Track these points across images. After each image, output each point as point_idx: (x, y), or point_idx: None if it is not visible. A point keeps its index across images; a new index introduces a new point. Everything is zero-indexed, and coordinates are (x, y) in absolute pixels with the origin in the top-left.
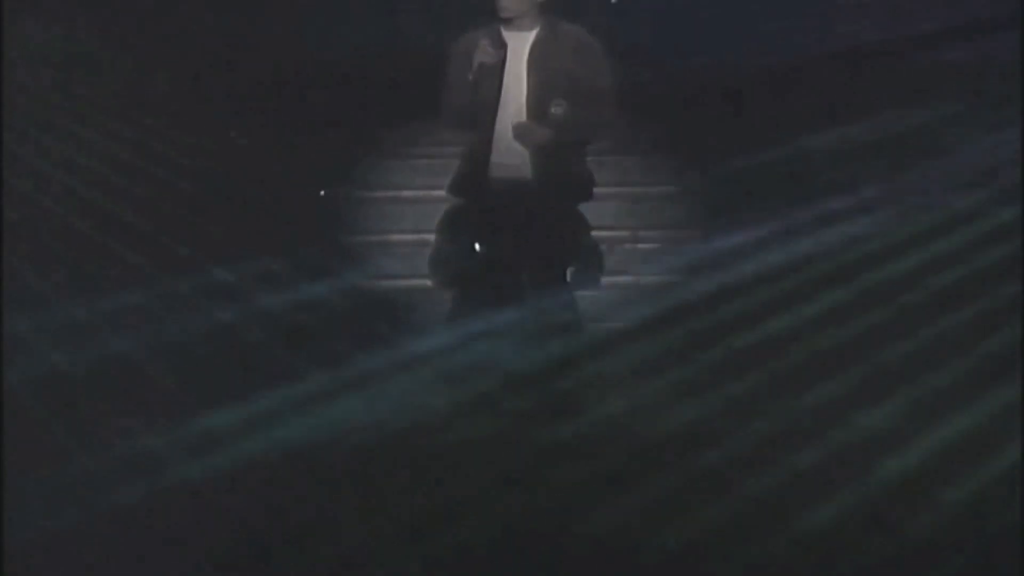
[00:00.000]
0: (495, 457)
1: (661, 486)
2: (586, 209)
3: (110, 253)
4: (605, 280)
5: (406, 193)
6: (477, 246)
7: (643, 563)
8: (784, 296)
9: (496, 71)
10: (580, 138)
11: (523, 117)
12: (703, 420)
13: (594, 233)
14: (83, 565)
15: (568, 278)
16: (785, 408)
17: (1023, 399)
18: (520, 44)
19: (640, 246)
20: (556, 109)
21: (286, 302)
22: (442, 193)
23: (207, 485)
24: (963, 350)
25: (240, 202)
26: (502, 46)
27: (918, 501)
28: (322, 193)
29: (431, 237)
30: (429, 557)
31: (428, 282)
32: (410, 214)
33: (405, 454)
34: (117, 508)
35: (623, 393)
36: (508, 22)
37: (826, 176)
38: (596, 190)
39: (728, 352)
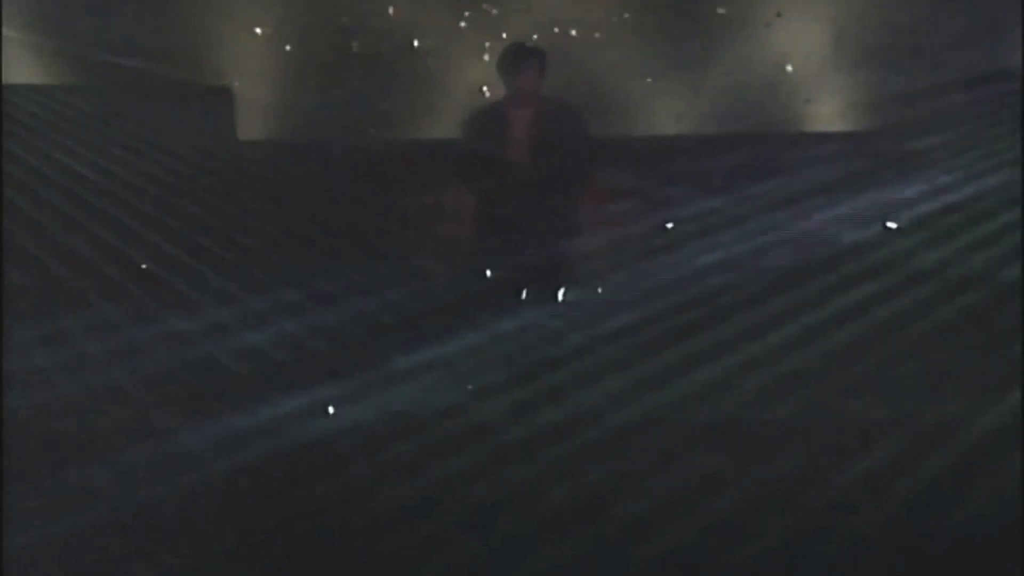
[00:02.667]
0: None
1: None
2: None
3: None
4: None
5: None
6: (488, 273)
7: None
8: None
9: (499, 137)
10: (568, 189)
11: (524, 175)
12: None
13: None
14: None
15: (560, 296)
16: None
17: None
18: (520, 117)
19: None
20: (548, 166)
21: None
22: None
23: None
24: None
25: None
26: (506, 120)
27: None
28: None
29: None
30: None
31: None
32: None
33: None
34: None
35: None
36: (512, 101)
37: None
38: None
39: None
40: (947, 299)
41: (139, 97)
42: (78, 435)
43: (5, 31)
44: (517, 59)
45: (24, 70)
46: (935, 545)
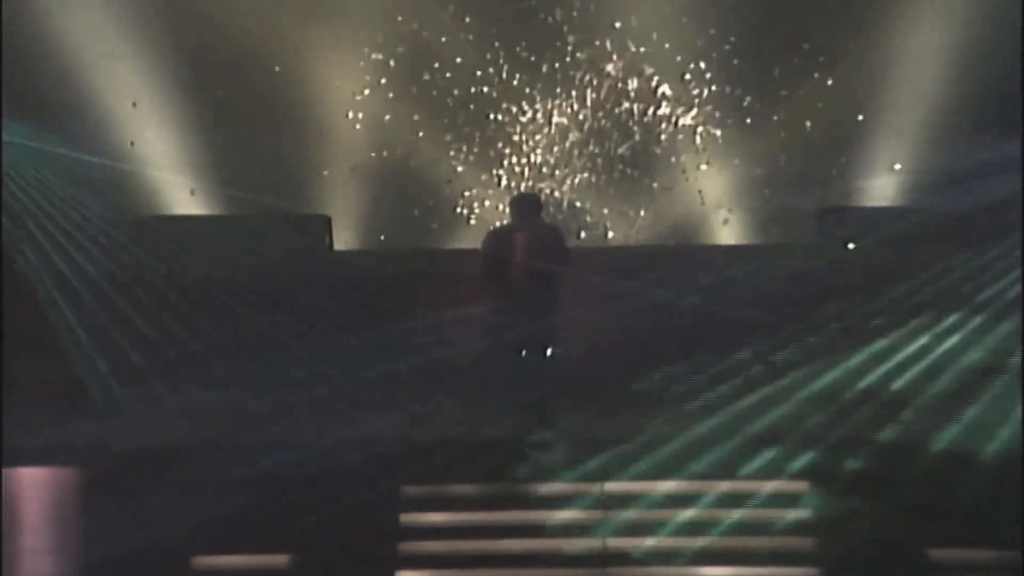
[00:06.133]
0: None
1: None
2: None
3: None
4: None
5: None
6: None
7: None
8: None
9: (509, 248)
10: (554, 282)
11: (524, 273)
12: None
13: None
14: None
15: (549, 353)
16: None
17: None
18: (522, 233)
19: None
20: (542, 267)
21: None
22: None
23: None
24: None
25: None
26: (511, 236)
27: None
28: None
29: None
30: None
31: None
32: None
33: None
34: None
35: None
36: (517, 224)
37: None
38: None
39: None
40: None
41: (265, 224)
42: None
43: (166, 175)
44: (521, 201)
45: (173, 205)
46: None
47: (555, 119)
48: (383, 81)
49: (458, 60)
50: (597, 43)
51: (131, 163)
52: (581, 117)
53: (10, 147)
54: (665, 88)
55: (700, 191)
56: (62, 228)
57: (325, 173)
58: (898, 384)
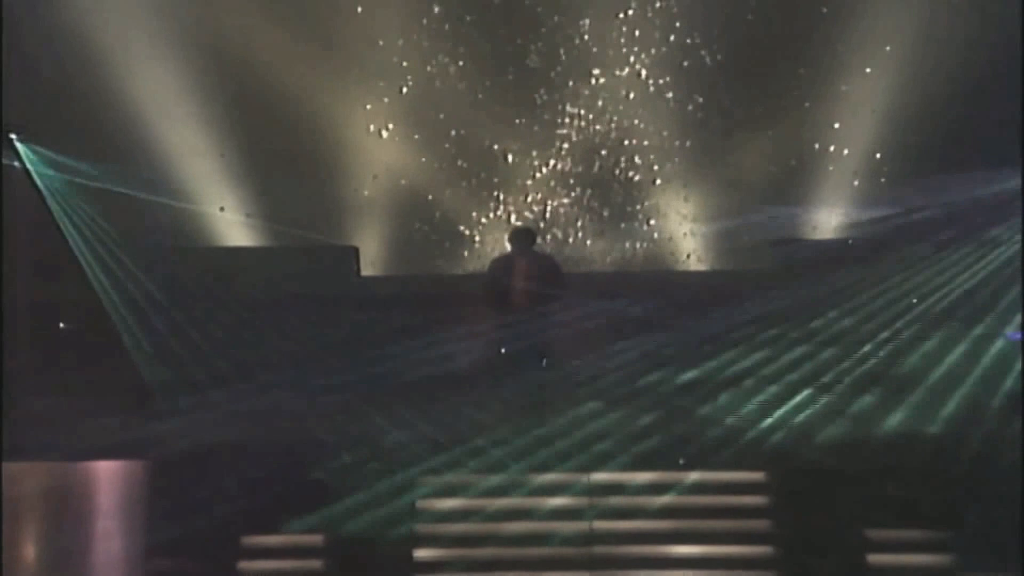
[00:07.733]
0: None
1: None
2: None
3: None
4: None
5: None
6: (503, 350)
7: None
8: None
9: (509, 273)
10: (548, 301)
11: (522, 294)
12: None
13: None
14: None
15: (543, 363)
16: None
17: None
18: (520, 260)
19: None
20: (538, 289)
21: None
22: None
23: None
24: None
25: None
26: (511, 261)
27: None
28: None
29: None
30: None
31: None
32: None
33: None
34: None
35: None
36: (516, 253)
37: None
38: None
39: None
40: None
41: (293, 253)
42: None
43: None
44: (519, 234)
45: (223, 236)
46: None
47: (553, 162)
48: (405, 128)
49: (469, 107)
50: (585, 93)
51: (190, 201)
52: (576, 161)
53: (74, 184)
54: (644, 137)
55: (662, 215)
56: (124, 255)
57: (354, 209)
58: None
